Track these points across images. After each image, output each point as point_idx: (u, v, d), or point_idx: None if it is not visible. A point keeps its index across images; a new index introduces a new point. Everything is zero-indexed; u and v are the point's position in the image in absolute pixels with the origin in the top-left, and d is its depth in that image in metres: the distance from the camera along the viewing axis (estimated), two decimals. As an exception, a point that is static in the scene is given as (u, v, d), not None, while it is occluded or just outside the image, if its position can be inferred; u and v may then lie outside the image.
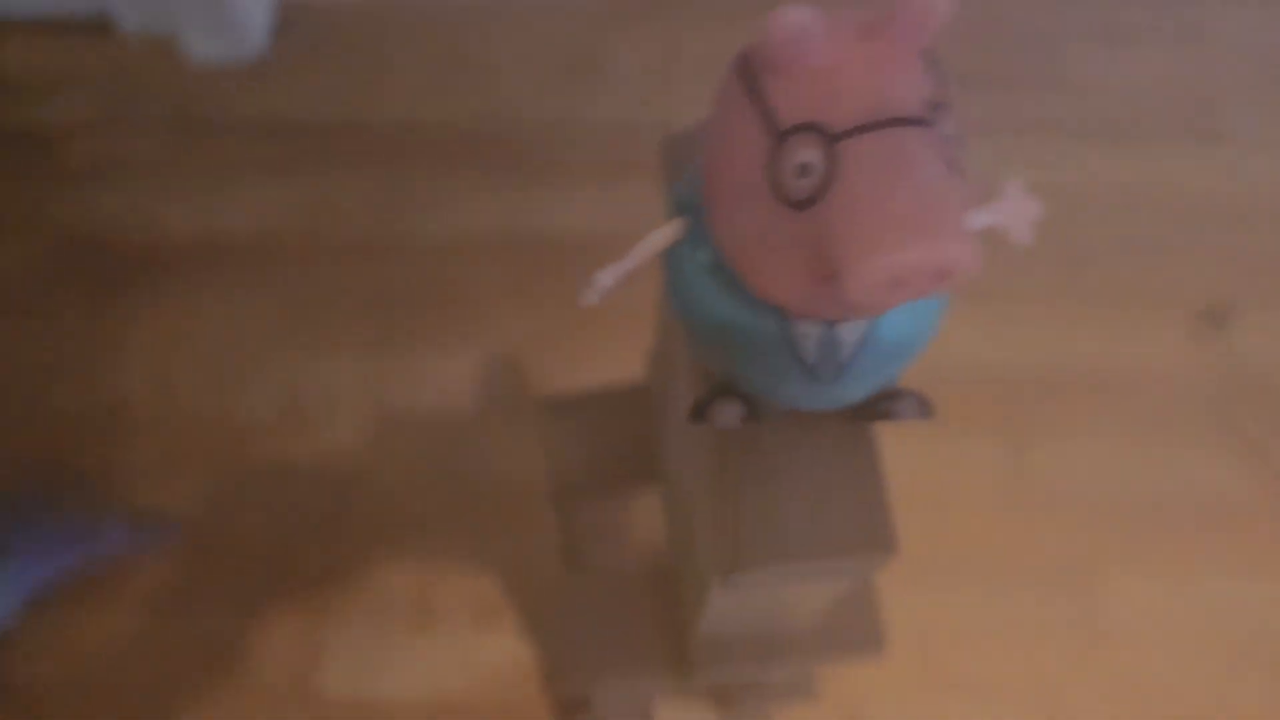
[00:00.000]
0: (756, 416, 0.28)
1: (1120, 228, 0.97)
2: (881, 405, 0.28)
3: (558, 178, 0.97)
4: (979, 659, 0.78)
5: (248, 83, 1.01)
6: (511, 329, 0.89)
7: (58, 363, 0.87)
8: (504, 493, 0.82)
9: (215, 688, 0.76)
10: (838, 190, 0.21)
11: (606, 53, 1.05)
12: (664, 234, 0.26)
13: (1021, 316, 0.91)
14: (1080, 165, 1.00)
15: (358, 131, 0.99)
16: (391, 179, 0.96)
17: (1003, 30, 1.08)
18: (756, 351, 0.25)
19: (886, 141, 0.21)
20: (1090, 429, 0.87)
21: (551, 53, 1.05)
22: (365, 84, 1.02)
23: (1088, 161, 1.00)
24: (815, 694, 0.68)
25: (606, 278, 0.26)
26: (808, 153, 0.21)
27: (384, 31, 1.06)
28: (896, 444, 0.82)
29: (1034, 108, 1.03)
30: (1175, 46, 1.09)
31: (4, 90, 1.01)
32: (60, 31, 1.04)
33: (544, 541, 0.80)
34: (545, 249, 0.93)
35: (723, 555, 0.28)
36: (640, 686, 0.45)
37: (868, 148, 0.20)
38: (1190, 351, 0.90)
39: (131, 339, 0.88)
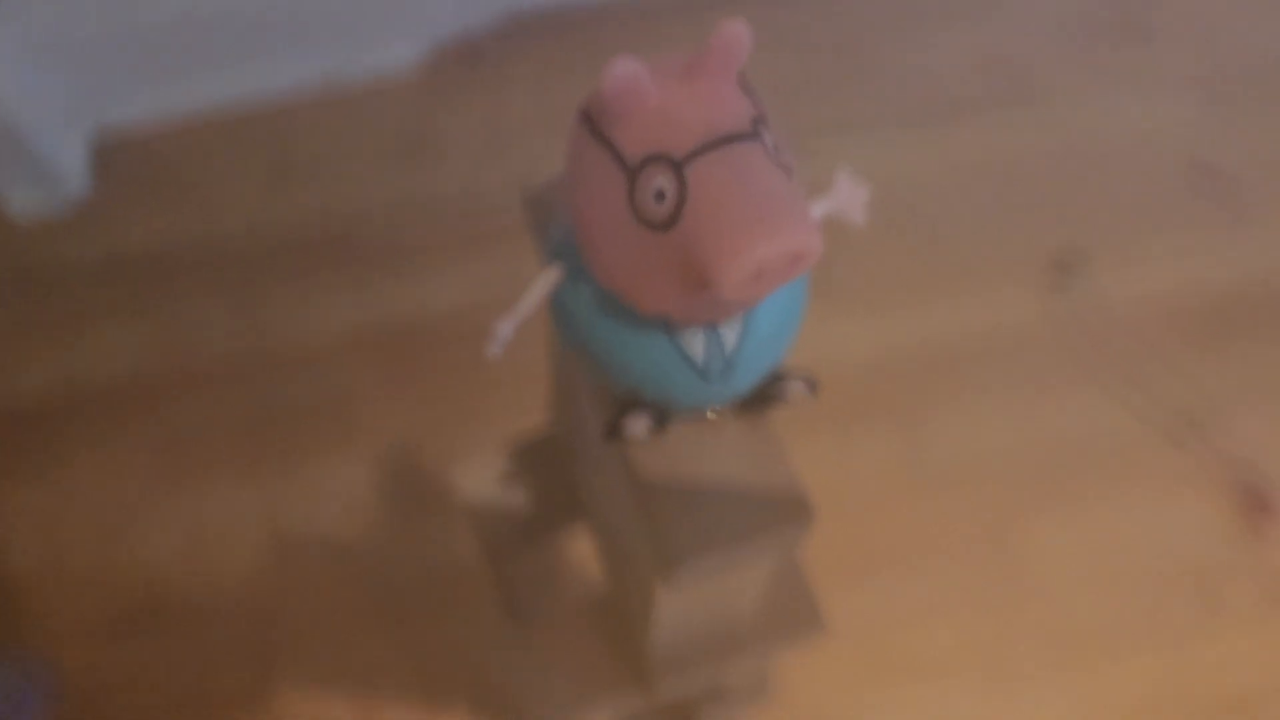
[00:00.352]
0: (663, 425, 0.31)
1: (960, 202, 1.01)
2: (771, 389, 0.30)
3: (413, 261, 0.96)
4: (921, 639, 0.79)
5: (79, 227, 0.98)
6: (398, 420, 0.88)
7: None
8: (429, 582, 0.81)
9: None
10: (692, 206, 0.23)
11: (434, 128, 1.05)
12: (547, 278, 0.28)
13: (886, 304, 0.94)
14: (909, 151, 1.03)
15: (200, 254, 0.97)
16: (245, 295, 0.94)
17: (807, 36, 1.12)
18: (651, 363, 0.28)
19: (725, 157, 0.24)
20: (973, 396, 0.90)
21: (380, 137, 1.04)
22: (198, 204, 1.00)
23: (916, 146, 1.04)
24: (776, 701, 0.69)
25: (505, 327, 0.28)
26: (660, 180, 0.24)
27: (206, 146, 1.04)
28: (794, 450, 0.83)
29: (853, 104, 1.07)
30: (976, 20, 1.14)
31: None
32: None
33: (480, 614, 0.79)
34: (415, 334, 0.92)
35: (658, 559, 0.30)
36: (602, 715, 0.46)
37: (709, 166, 0.24)
38: (1051, 304, 0.94)
39: (8, 505, 0.85)
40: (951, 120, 1.06)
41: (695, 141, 0.24)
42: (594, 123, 0.25)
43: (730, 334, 0.28)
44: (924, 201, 1.00)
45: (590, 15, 1.13)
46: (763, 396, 0.31)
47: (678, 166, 0.24)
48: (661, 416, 0.30)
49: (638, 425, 0.29)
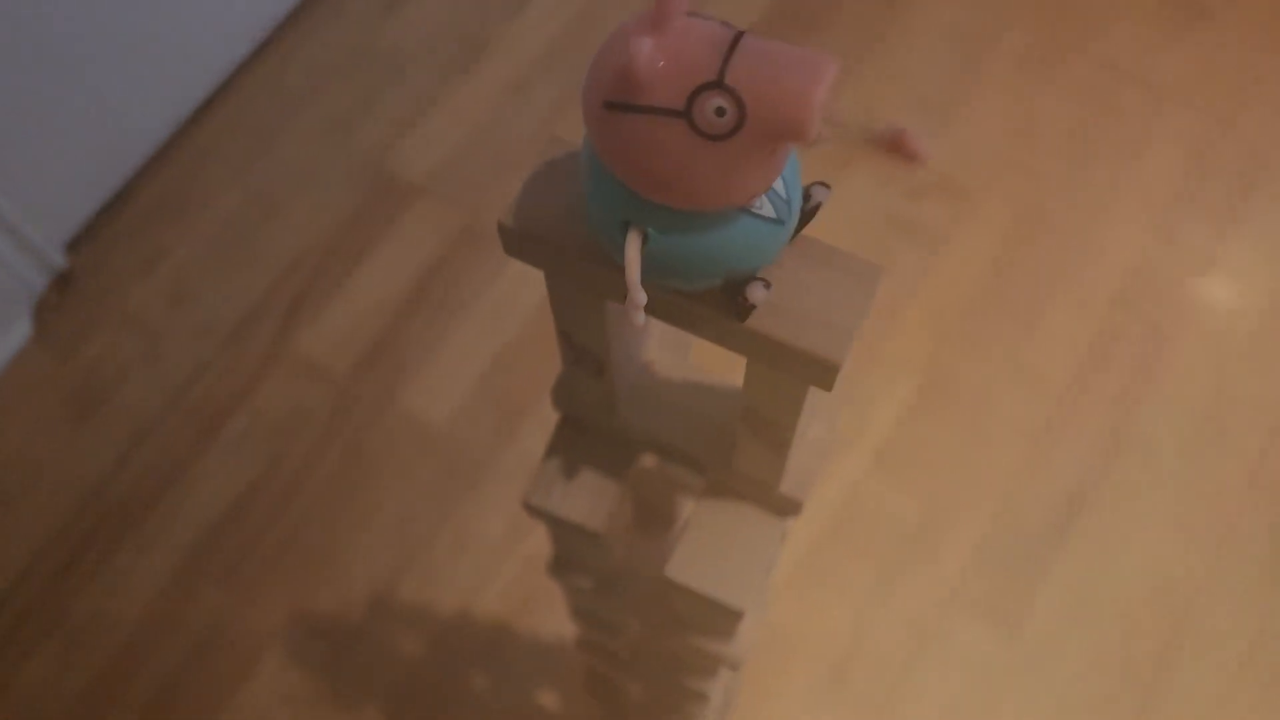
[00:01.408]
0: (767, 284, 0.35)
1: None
2: (807, 207, 0.35)
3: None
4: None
5: None
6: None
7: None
8: None
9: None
10: (751, 99, 0.28)
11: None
12: (633, 242, 0.32)
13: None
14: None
15: None
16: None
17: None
18: (747, 243, 0.32)
19: (744, 54, 0.29)
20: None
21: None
22: None
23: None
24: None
25: (638, 295, 0.31)
26: (712, 101, 0.29)
27: None
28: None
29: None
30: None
31: None
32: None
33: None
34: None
35: (820, 363, 0.34)
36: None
37: (740, 67, 0.29)
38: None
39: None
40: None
41: (718, 59, 0.29)
42: (623, 104, 0.29)
43: (779, 189, 0.33)
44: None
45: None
46: (804, 216, 0.35)
47: (718, 85, 0.29)
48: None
49: (758, 291, 0.34)
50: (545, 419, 1.17)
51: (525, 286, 1.24)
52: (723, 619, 0.44)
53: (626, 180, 0.31)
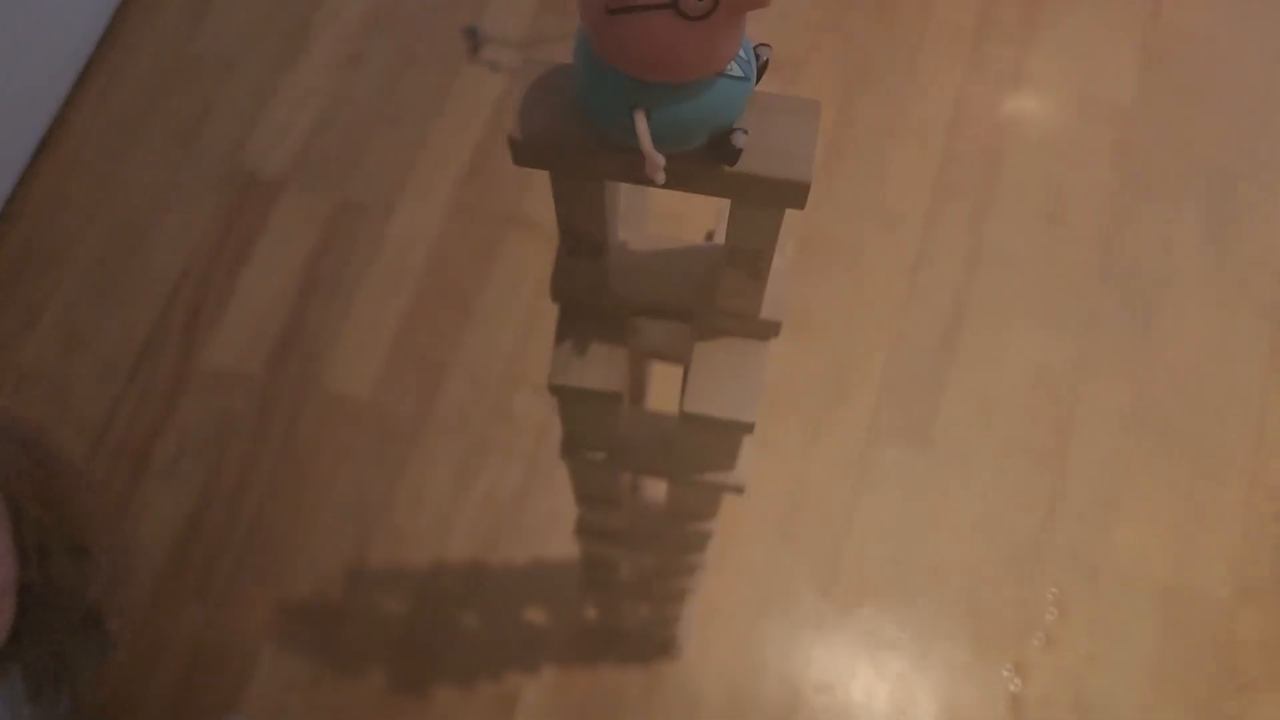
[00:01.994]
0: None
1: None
2: (761, 63, 0.41)
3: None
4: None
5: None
6: None
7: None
8: None
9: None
10: None
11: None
12: (641, 122, 0.38)
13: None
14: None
15: None
16: None
17: None
18: (727, 101, 0.39)
19: None
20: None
21: None
22: None
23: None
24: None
25: (656, 157, 0.38)
26: None
27: None
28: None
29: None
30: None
31: None
32: None
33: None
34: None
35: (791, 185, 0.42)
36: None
37: None
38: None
39: None
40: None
41: None
42: (623, 7, 0.36)
43: (741, 50, 0.39)
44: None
45: None
46: (759, 72, 0.42)
47: None
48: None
49: (740, 138, 0.40)
50: (465, 363, 1.22)
51: (410, 250, 1.27)
52: (734, 439, 0.51)
53: (631, 69, 0.37)
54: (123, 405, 1.22)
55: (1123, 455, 1.18)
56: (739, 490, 0.58)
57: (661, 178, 0.38)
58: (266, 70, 1.38)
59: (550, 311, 1.33)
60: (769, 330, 0.49)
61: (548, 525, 1.16)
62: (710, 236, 0.58)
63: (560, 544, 1.15)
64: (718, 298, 0.48)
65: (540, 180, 1.30)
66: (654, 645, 1.09)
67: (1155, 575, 1.14)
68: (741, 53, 0.39)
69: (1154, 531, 1.16)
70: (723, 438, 0.52)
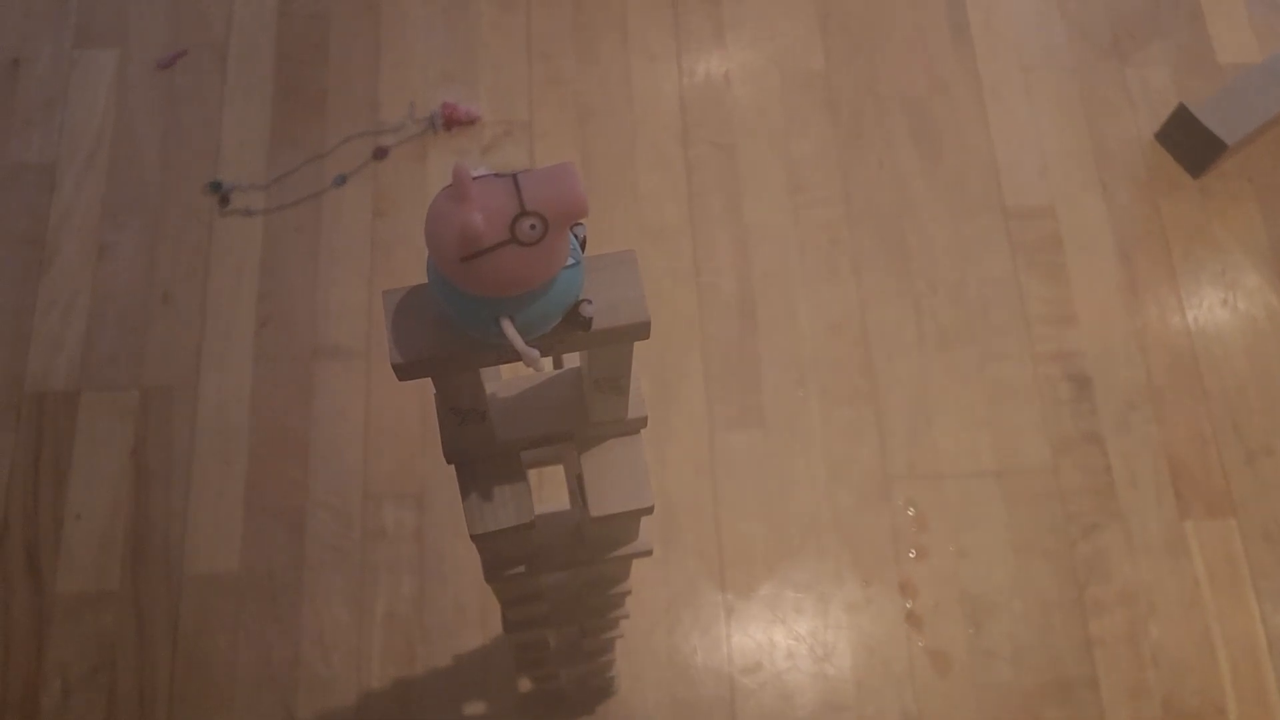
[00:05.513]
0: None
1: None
2: (580, 240, 0.48)
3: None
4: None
5: None
6: None
7: None
8: None
9: None
10: (550, 217, 0.42)
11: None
12: (509, 328, 0.44)
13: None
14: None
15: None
16: None
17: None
18: (568, 288, 0.46)
19: (525, 182, 0.43)
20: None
21: None
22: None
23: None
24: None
25: (531, 352, 0.45)
26: (526, 221, 0.42)
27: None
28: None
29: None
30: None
31: None
32: None
33: None
34: None
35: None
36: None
37: (528, 190, 0.42)
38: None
39: None
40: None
41: (514, 196, 0.43)
42: (473, 254, 0.42)
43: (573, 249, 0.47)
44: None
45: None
46: (582, 248, 0.49)
47: (524, 211, 0.43)
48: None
49: (588, 308, 0.48)
50: (321, 500, 1.24)
51: (229, 412, 1.28)
52: (635, 522, 0.59)
53: (490, 294, 0.43)
54: (-12, 667, 1.17)
55: (922, 370, 1.33)
56: (648, 553, 0.65)
57: (542, 365, 0.44)
58: (16, 288, 1.34)
59: (387, 425, 1.37)
60: (639, 424, 0.57)
61: (455, 620, 1.20)
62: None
63: (472, 632, 1.20)
64: (591, 416, 0.55)
65: (335, 305, 1.33)
66: (594, 693, 1.16)
67: (985, 462, 1.29)
68: (571, 243, 0.47)
69: (970, 426, 1.31)
70: (629, 522, 0.59)
